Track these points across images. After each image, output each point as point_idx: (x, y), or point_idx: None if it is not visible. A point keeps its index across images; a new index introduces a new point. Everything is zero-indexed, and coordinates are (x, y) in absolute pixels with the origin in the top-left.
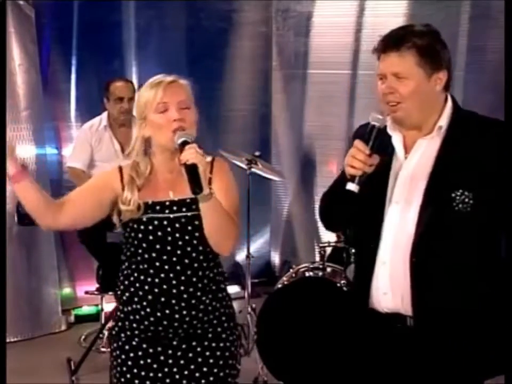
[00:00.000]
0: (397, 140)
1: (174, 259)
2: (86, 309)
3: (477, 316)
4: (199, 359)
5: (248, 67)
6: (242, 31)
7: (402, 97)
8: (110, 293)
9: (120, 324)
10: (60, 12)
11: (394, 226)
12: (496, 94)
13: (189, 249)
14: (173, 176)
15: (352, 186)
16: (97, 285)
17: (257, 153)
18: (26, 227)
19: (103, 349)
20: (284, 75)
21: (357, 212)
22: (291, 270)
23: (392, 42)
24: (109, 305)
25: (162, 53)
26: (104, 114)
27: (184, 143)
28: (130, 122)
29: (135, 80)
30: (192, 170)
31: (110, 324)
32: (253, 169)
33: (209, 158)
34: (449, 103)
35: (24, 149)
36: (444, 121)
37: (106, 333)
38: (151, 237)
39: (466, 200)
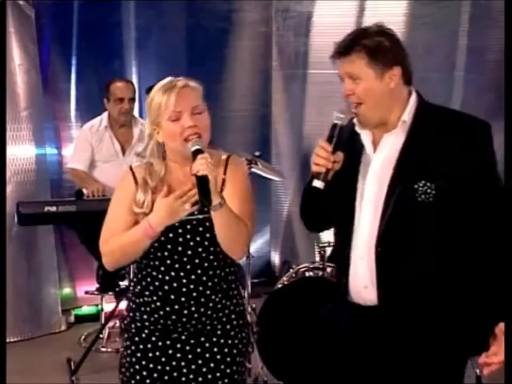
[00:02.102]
0: (365, 138)
1: (185, 259)
2: (86, 309)
3: (439, 302)
4: (207, 355)
5: (248, 67)
6: (242, 31)
7: (360, 97)
8: (110, 293)
9: (131, 314)
10: (60, 12)
11: (369, 222)
12: (496, 94)
13: (200, 249)
14: (186, 180)
15: (317, 183)
16: (97, 285)
17: (257, 153)
18: (26, 227)
19: (103, 349)
20: (284, 75)
21: (331, 209)
22: (291, 270)
23: (342, 48)
24: (109, 305)
25: (162, 53)
26: (105, 115)
27: (197, 152)
28: (131, 123)
29: (135, 80)
30: (202, 182)
31: (113, 323)
32: (253, 169)
33: (224, 156)
34: (413, 97)
35: (24, 149)
36: (407, 115)
37: (106, 332)
38: (162, 238)
39: (429, 190)
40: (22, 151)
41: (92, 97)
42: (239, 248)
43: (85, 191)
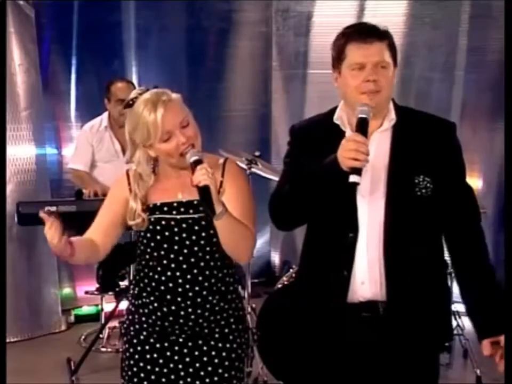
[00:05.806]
0: None
1: (181, 258)
2: (86, 309)
3: (433, 295)
4: (205, 358)
5: (248, 67)
6: (242, 31)
7: (383, 86)
8: (110, 293)
9: (130, 317)
10: (60, 11)
11: (365, 219)
12: (496, 94)
13: (196, 249)
14: (180, 180)
15: (356, 179)
16: (97, 285)
17: (257, 153)
18: (26, 227)
19: (103, 349)
20: (284, 75)
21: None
22: (291, 270)
23: (373, 32)
24: (109, 305)
25: (162, 53)
26: (105, 115)
27: (196, 163)
28: None
29: (135, 81)
30: (204, 193)
31: (113, 323)
32: (253, 169)
33: (221, 160)
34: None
35: (24, 149)
36: (393, 114)
37: (106, 332)
38: (158, 237)
39: (428, 184)
40: (22, 151)
41: (92, 97)
42: (245, 252)
43: (84, 191)
